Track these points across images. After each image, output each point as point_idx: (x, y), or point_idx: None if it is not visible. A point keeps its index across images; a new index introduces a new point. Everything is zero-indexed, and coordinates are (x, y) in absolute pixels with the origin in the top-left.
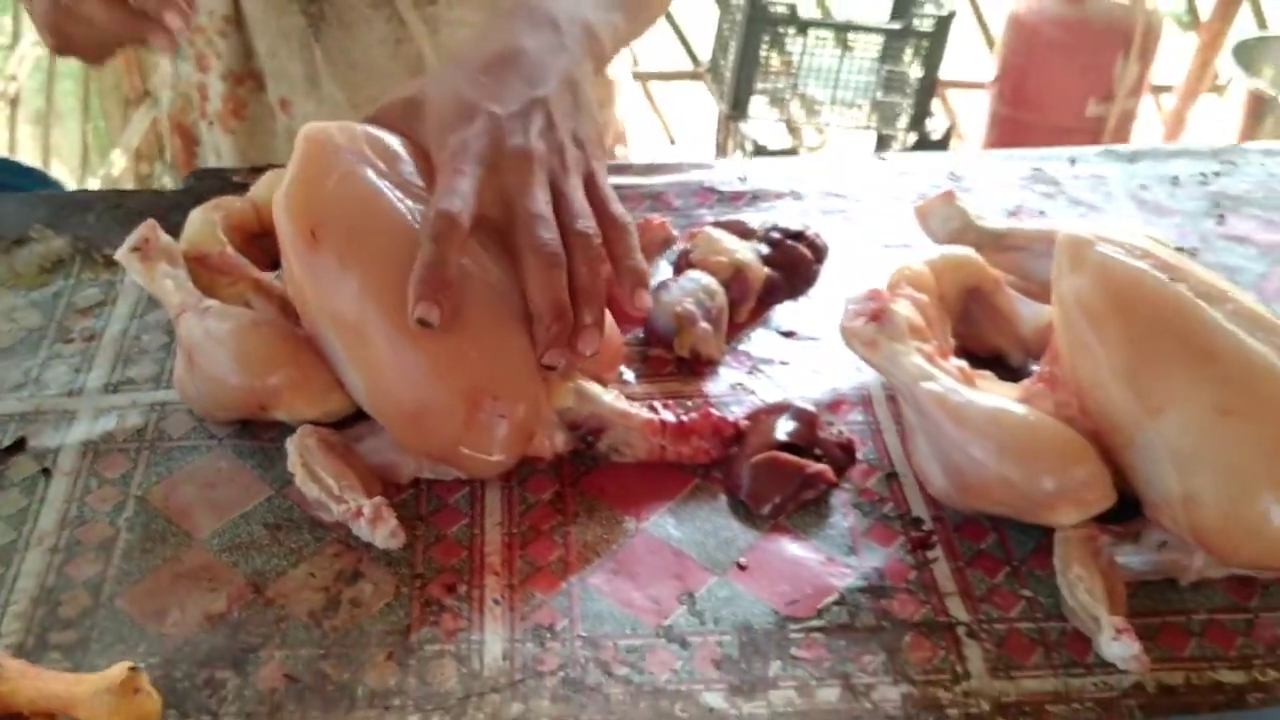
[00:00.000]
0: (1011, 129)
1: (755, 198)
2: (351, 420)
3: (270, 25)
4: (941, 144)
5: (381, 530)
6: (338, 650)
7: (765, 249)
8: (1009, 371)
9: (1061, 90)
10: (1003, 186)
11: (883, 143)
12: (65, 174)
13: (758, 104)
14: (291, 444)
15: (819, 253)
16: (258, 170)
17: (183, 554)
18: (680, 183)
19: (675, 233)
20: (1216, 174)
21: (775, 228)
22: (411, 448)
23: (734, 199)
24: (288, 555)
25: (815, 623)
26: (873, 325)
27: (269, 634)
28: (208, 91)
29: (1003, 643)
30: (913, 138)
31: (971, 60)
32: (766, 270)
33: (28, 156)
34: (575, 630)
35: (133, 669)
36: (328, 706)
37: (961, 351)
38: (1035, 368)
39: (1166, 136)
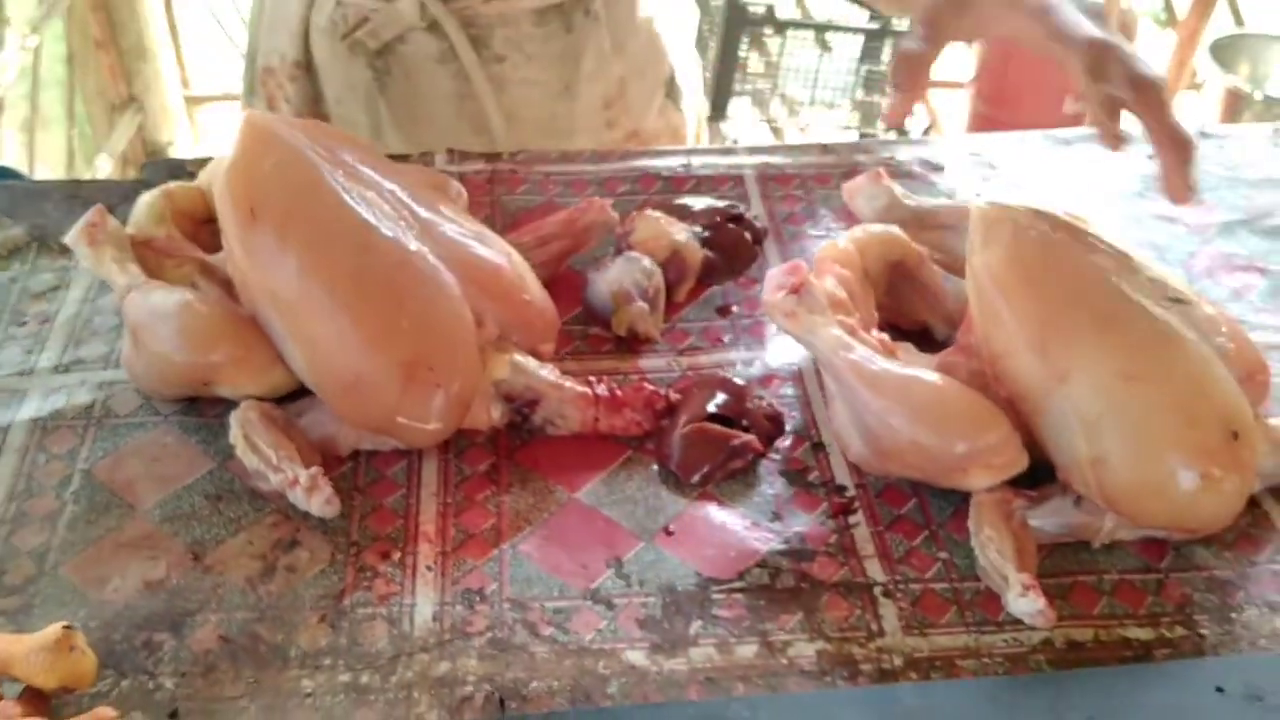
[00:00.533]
0: (991, 127)
1: (698, 183)
2: (294, 396)
3: (338, 75)
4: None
5: (317, 498)
6: (272, 614)
7: (703, 231)
8: (934, 344)
9: (1039, 88)
10: (940, 171)
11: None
12: (52, 178)
13: (740, 105)
14: (234, 417)
15: (758, 235)
16: (209, 159)
17: (125, 524)
18: (625, 169)
19: (616, 215)
20: (1150, 156)
21: (715, 211)
22: (350, 419)
23: (677, 184)
24: (227, 525)
25: (737, 584)
26: (792, 298)
27: (206, 599)
28: None
29: (917, 602)
30: (893, 136)
31: (952, 59)
32: (704, 252)
33: (12, 162)
34: (504, 594)
35: (67, 628)
36: (260, 666)
37: (888, 325)
38: None
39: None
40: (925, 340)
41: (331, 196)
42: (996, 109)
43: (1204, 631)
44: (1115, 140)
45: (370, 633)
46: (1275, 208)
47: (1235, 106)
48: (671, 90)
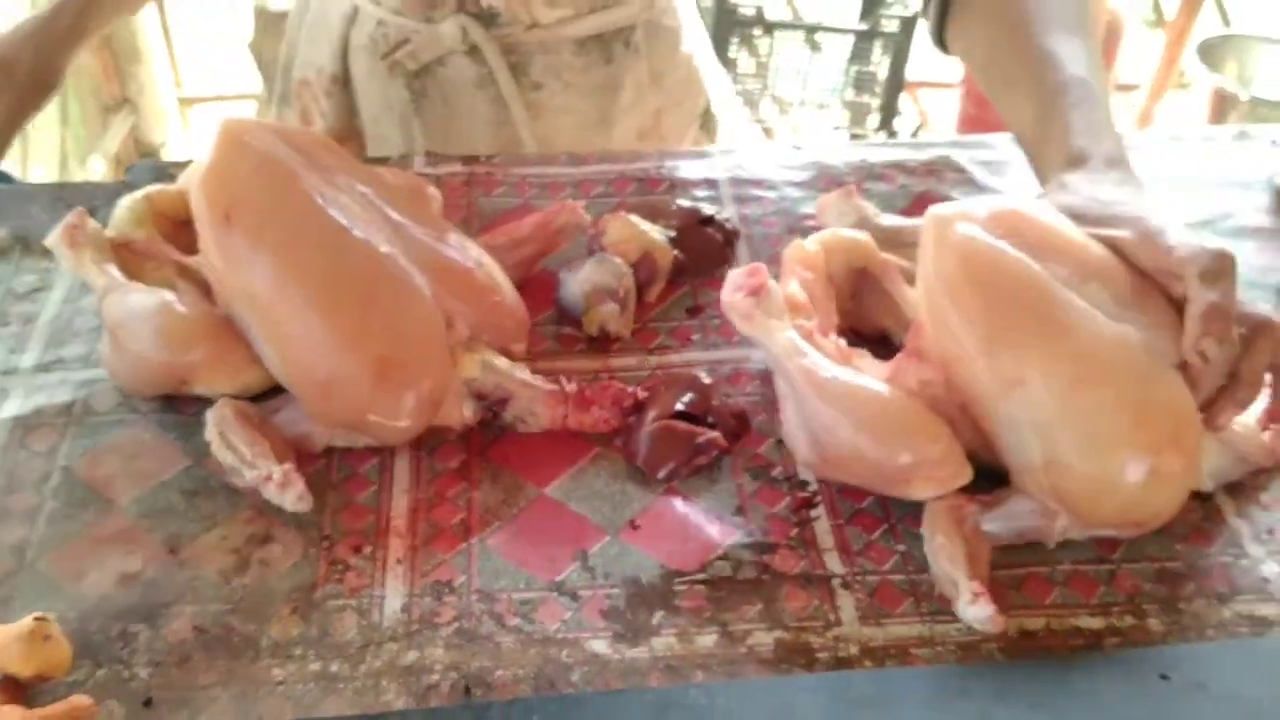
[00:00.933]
0: (980, 127)
1: (672, 185)
2: (270, 395)
3: (374, 92)
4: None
5: (290, 494)
6: (245, 605)
7: (675, 233)
8: (894, 351)
9: None
10: (910, 174)
11: (854, 141)
12: (45, 180)
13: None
14: (210, 415)
15: (730, 237)
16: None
17: (103, 519)
18: (601, 171)
19: (588, 217)
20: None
21: (687, 213)
22: (323, 417)
23: (652, 186)
24: (203, 520)
25: (699, 576)
26: (751, 300)
27: (181, 591)
28: None
29: (874, 593)
30: (883, 136)
31: (945, 60)
32: (675, 253)
33: (6, 164)
34: (472, 586)
35: (38, 618)
36: (233, 656)
37: (850, 330)
38: None
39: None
40: (886, 346)
41: (305, 201)
42: (985, 110)
43: (1153, 621)
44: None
45: (340, 623)
46: (1237, 209)
47: (1222, 107)
48: (706, 123)
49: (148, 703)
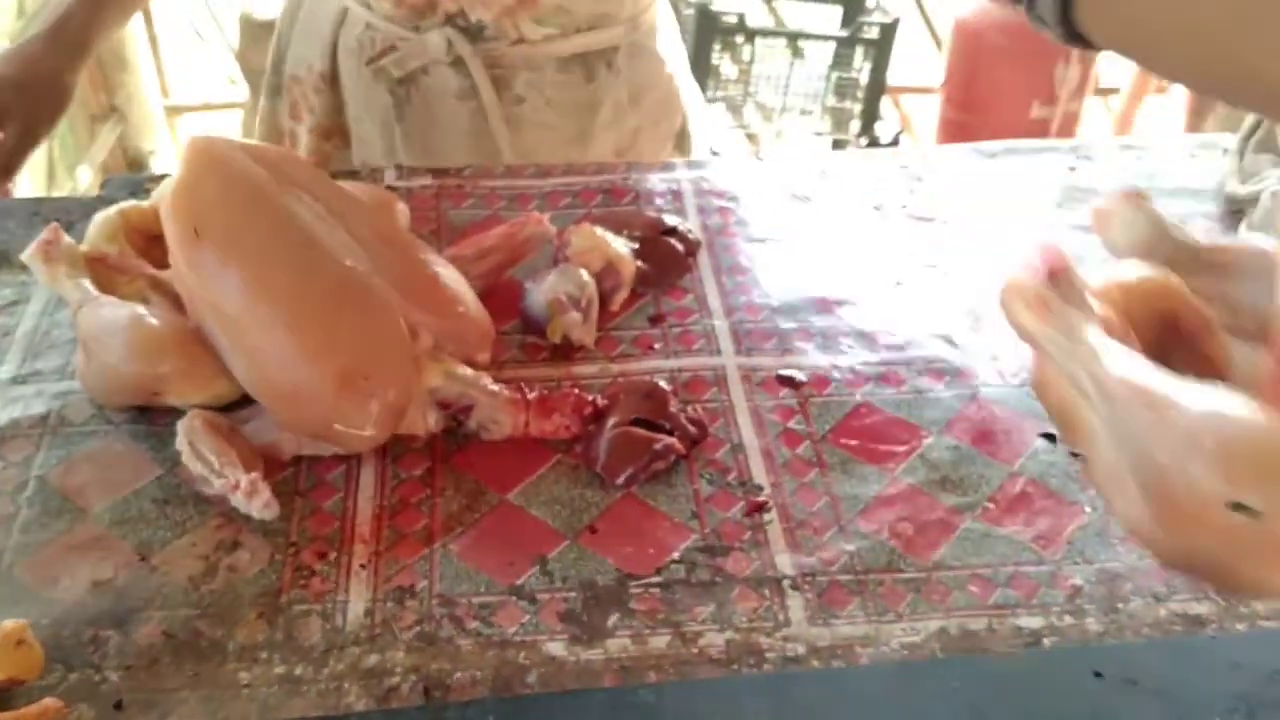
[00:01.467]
0: (961, 132)
1: (637, 197)
2: (239, 405)
3: (359, 94)
4: (892, 147)
5: (256, 502)
6: (213, 610)
7: (637, 243)
8: None
9: (1006, 94)
10: (867, 183)
11: (836, 147)
12: (32, 190)
13: (714, 112)
14: (180, 425)
15: (690, 246)
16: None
17: (77, 527)
18: (567, 183)
19: (553, 229)
20: (1072, 169)
21: (650, 223)
22: (290, 426)
23: (618, 198)
24: (173, 527)
25: (654, 579)
26: (1044, 284)
27: (151, 597)
28: (297, 140)
29: (823, 593)
30: (865, 141)
31: (926, 65)
32: (638, 263)
33: None
34: (434, 590)
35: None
36: (201, 659)
37: None
38: None
39: (1115, 136)
40: None
41: (272, 216)
42: (966, 114)
43: (1090, 621)
44: None
45: (305, 628)
46: (1189, 215)
47: (1200, 109)
48: (681, 141)
49: (118, 705)
